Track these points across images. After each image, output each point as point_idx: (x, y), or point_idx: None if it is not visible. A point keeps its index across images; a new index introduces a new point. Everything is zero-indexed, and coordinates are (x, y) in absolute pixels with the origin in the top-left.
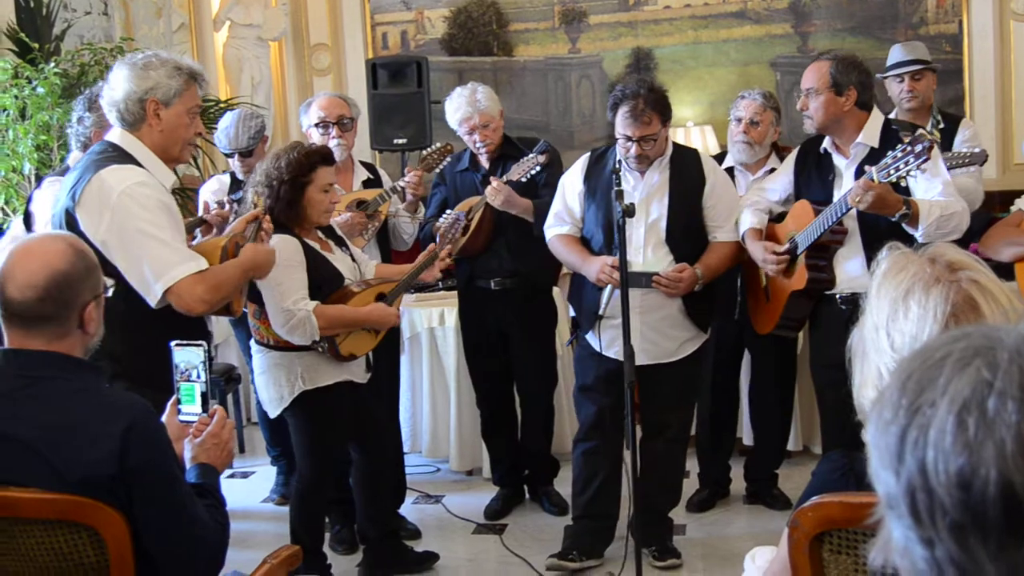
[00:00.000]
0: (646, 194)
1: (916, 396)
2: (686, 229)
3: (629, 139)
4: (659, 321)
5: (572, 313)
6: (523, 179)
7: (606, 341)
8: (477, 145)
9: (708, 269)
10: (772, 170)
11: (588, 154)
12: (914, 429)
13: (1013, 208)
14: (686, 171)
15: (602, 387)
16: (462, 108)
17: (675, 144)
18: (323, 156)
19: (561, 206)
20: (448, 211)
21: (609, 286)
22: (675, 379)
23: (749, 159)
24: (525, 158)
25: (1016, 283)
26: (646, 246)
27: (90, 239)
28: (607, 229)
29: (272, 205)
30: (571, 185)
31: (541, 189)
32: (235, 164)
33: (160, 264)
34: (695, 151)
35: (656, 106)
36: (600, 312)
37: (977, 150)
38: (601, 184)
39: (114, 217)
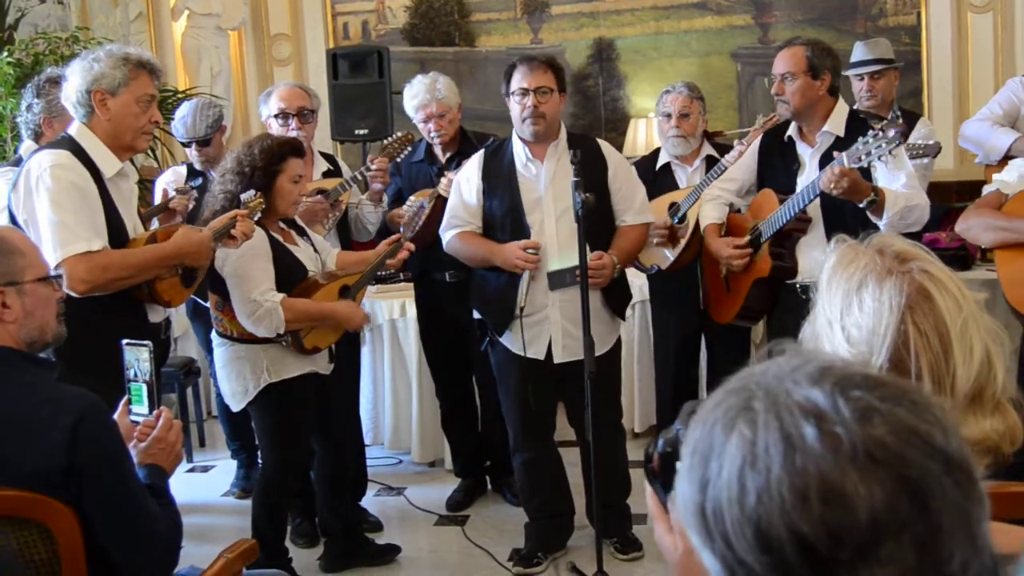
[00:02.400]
0: (549, 181)
1: (703, 469)
2: (598, 215)
3: (525, 92)
4: (579, 315)
5: (477, 315)
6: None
7: (527, 341)
8: (431, 134)
9: (623, 254)
10: (708, 157)
11: (482, 151)
12: (709, 503)
13: (991, 187)
14: (587, 156)
15: (524, 393)
16: (420, 95)
17: (569, 132)
18: (294, 147)
19: (456, 204)
20: (411, 200)
21: (525, 274)
22: (603, 373)
23: (684, 151)
24: (476, 154)
25: (997, 270)
26: (559, 237)
27: (18, 221)
28: (514, 222)
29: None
30: (467, 181)
31: None
32: (192, 154)
33: (54, 241)
34: (591, 136)
35: (550, 64)
36: (521, 304)
37: (931, 142)
38: (501, 179)
39: (29, 197)
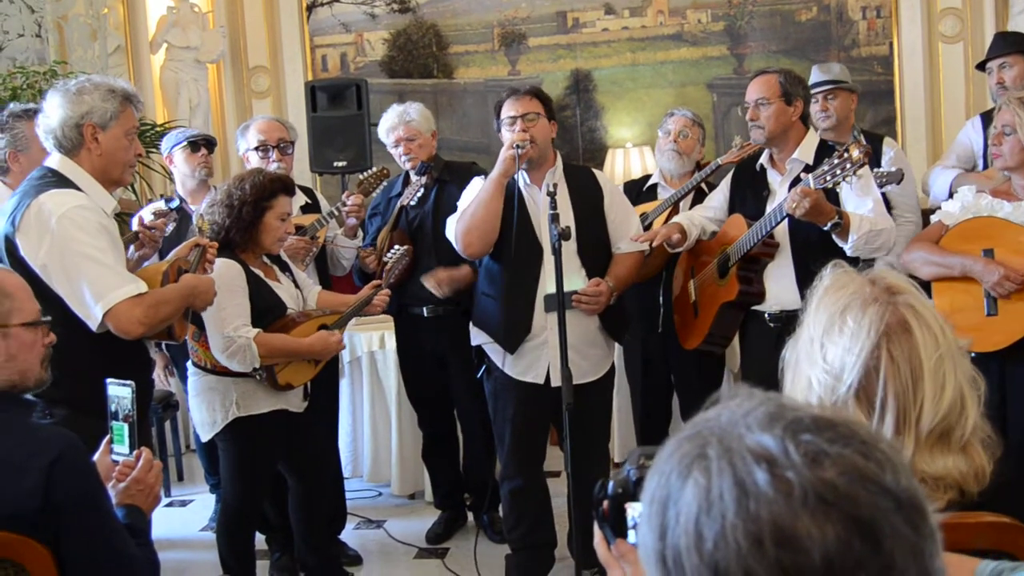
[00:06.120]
0: (546, 206)
1: (662, 517)
2: (596, 241)
3: (514, 120)
4: (577, 340)
5: (477, 341)
6: (412, 203)
7: (524, 366)
8: (402, 159)
9: (619, 281)
10: (698, 190)
11: (480, 176)
12: (669, 550)
13: (934, 218)
14: (583, 184)
15: (520, 420)
16: (391, 119)
17: (566, 163)
18: (285, 185)
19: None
20: (396, 246)
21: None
22: (597, 399)
23: (676, 169)
24: (413, 182)
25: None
26: (557, 263)
27: (30, 264)
28: (528, 241)
29: (230, 225)
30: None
31: None
32: (191, 164)
33: (99, 286)
34: (586, 166)
35: (536, 93)
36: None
37: (894, 169)
38: (508, 201)
39: (54, 241)
